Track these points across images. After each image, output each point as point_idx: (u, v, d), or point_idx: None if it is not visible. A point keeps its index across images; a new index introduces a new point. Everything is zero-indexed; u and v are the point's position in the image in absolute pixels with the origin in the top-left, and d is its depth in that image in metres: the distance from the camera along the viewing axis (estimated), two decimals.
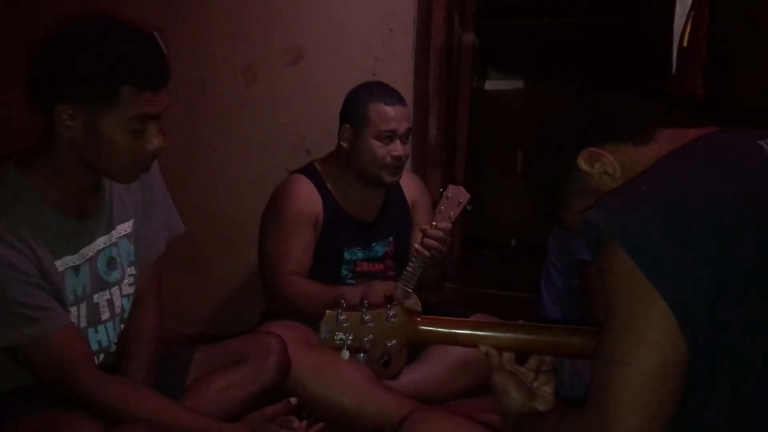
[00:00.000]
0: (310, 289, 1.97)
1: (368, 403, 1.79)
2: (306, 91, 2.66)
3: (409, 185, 2.25)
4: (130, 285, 1.51)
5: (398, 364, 1.98)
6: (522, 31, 5.79)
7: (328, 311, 1.09)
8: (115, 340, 1.50)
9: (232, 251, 2.73)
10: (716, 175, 0.87)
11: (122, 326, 1.51)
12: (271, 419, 1.41)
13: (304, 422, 1.45)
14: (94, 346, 1.44)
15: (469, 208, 1.99)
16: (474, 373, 1.98)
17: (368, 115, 2.02)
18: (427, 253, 1.94)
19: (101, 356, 1.46)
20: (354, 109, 2.06)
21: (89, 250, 1.41)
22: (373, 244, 2.13)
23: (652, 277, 0.81)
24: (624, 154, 0.99)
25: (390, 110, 2.02)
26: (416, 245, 1.97)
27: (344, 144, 2.08)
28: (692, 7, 3.18)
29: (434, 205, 2.00)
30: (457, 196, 1.96)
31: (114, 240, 1.46)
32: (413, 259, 1.97)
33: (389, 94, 2.06)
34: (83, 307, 1.40)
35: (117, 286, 1.48)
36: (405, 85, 2.59)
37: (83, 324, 1.41)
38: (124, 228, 1.49)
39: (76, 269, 1.38)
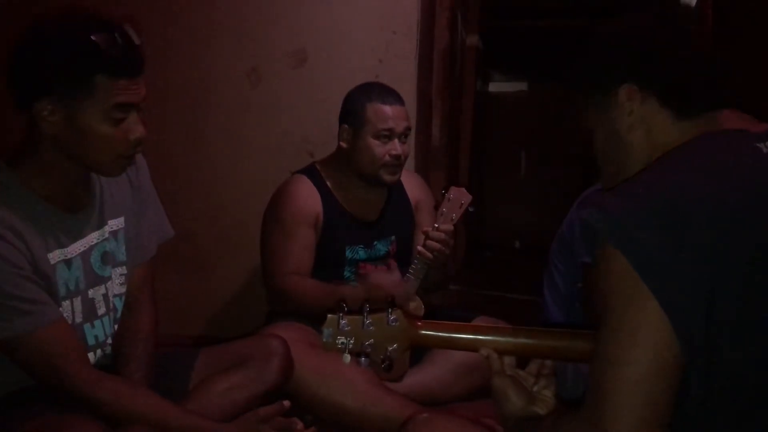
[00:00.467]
0: (312, 288, 1.97)
1: (371, 405, 1.80)
2: (309, 94, 2.66)
3: (412, 185, 2.25)
4: (121, 285, 1.51)
5: (401, 368, 1.99)
6: (526, 33, 5.78)
7: (329, 315, 1.09)
8: (111, 339, 1.50)
9: (235, 253, 2.74)
10: (715, 178, 0.87)
11: (116, 326, 1.51)
12: (264, 420, 1.41)
13: (312, 428, 1.45)
14: (91, 341, 1.45)
15: (471, 209, 1.99)
16: (478, 376, 1.98)
17: (366, 114, 2.03)
18: (429, 255, 1.94)
19: (97, 351, 1.46)
20: (352, 109, 2.07)
21: (81, 245, 1.42)
22: (375, 242, 2.13)
23: (648, 280, 0.82)
24: (658, 119, 0.98)
25: (388, 109, 2.03)
26: (419, 247, 1.97)
27: (343, 144, 2.09)
28: (696, 9, 3.18)
29: (436, 207, 2.01)
30: (458, 197, 1.96)
31: (106, 235, 1.47)
32: (416, 261, 1.97)
33: (387, 93, 2.07)
34: (77, 301, 1.41)
35: (111, 280, 1.49)
36: (408, 88, 2.60)
37: (79, 319, 1.42)
38: (116, 224, 1.50)
39: (68, 263, 1.39)
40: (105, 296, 1.47)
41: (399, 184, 2.20)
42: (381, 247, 2.15)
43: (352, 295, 1.89)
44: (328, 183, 2.12)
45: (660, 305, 0.81)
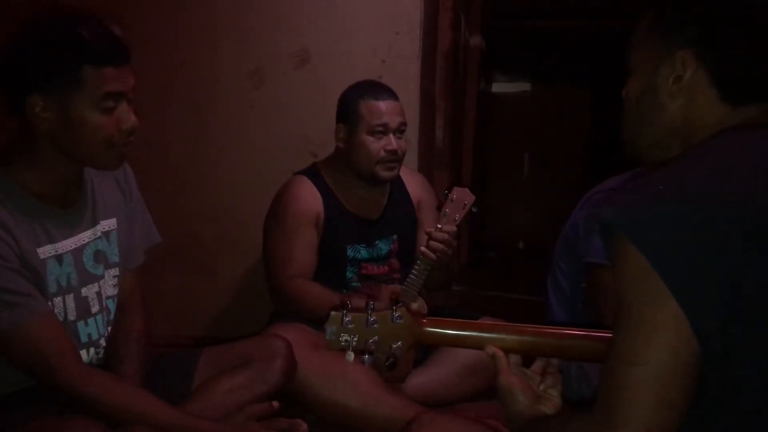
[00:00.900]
0: (315, 290, 1.97)
1: (374, 406, 1.79)
2: (312, 94, 2.66)
3: (414, 184, 2.25)
4: (114, 286, 1.52)
5: (405, 367, 1.98)
6: (529, 33, 5.78)
7: (333, 312, 1.09)
8: (104, 340, 1.50)
9: (238, 253, 2.74)
10: (739, 176, 0.85)
11: (109, 328, 1.52)
12: (253, 417, 1.41)
13: None
14: (84, 339, 1.45)
15: (474, 209, 1.98)
16: (482, 377, 1.97)
17: (359, 111, 2.03)
18: (432, 256, 1.93)
19: (90, 350, 1.47)
20: (345, 107, 2.08)
21: (72, 242, 1.42)
22: (377, 241, 2.13)
23: (666, 278, 0.80)
24: (703, 96, 0.94)
25: (380, 105, 2.03)
26: (422, 248, 1.96)
27: (339, 143, 2.10)
28: None
29: (439, 207, 2.00)
30: (461, 198, 1.95)
31: (98, 235, 1.49)
32: (419, 261, 1.96)
33: (379, 89, 2.07)
34: (70, 299, 1.41)
35: (104, 279, 1.49)
36: (411, 88, 2.60)
37: (72, 317, 1.42)
38: (108, 225, 1.52)
39: (59, 258, 1.39)
40: (98, 294, 1.47)
41: (400, 183, 2.20)
42: (383, 246, 2.14)
43: (357, 298, 1.88)
44: (329, 182, 2.12)
45: (678, 304, 0.79)
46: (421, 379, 2.00)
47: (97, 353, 1.48)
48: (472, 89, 4.44)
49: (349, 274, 2.10)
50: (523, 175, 6.56)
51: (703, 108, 0.94)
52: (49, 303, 1.37)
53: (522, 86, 6.68)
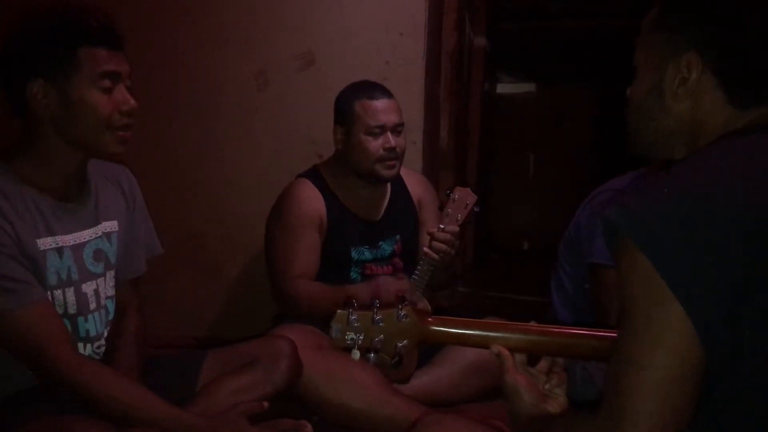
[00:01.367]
0: (319, 291, 1.97)
1: (379, 406, 1.79)
2: (317, 96, 2.66)
3: (415, 184, 2.25)
4: (112, 287, 1.53)
5: (409, 367, 1.98)
6: (534, 34, 5.77)
7: (339, 311, 1.08)
8: (104, 340, 1.51)
9: (243, 254, 2.74)
10: (746, 179, 0.84)
11: (108, 328, 1.53)
12: (243, 415, 1.40)
13: None
14: (82, 333, 1.45)
15: (476, 209, 1.98)
16: (486, 377, 1.97)
17: (355, 112, 2.04)
18: (435, 256, 1.93)
19: (88, 346, 1.47)
20: (342, 108, 2.09)
21: (73, 238, 1.44)
22: (380, 242, 2.13)
23: (670, 282, 0.79)
24: (709, 98, 0.94)
25: (376, 104, 2.03)
26: (425, 248, 1.96)
27: (338, 145, 2.10)
28: None
29: (441, 207, 2.00)
30: (464, 198, 1.95)
31: (99, 234, 1.50)
32: (421, 262, 1.96)
33: (374, 89, 2.08)
34: (71, 292, 1.42)
35: (103, 278, 1.50)
36: (416, 90, 2.60)
37: (72, 311, 1.43)
38: (110, 226, 1.53)
39: (59, 251, 1.40)
40: (96, 292, 1.48)
41: (400, 183, 2.20)
42: (386, 247, 2.14)
43: (360, 292, 1.89)
44: (330, 184, 2.12)
45: (683, 308, 0.79)
46: (426, 379, 2.01)
47: (95, 352, 1.49)
48: (477, 90, 4.44)
49: (353, 275, 2.10)
50: (527, 176, 6.54)
51: (710, 110, 0.94)
52: (48, 294, 1.37)
53: (526, 87, 6.67)
